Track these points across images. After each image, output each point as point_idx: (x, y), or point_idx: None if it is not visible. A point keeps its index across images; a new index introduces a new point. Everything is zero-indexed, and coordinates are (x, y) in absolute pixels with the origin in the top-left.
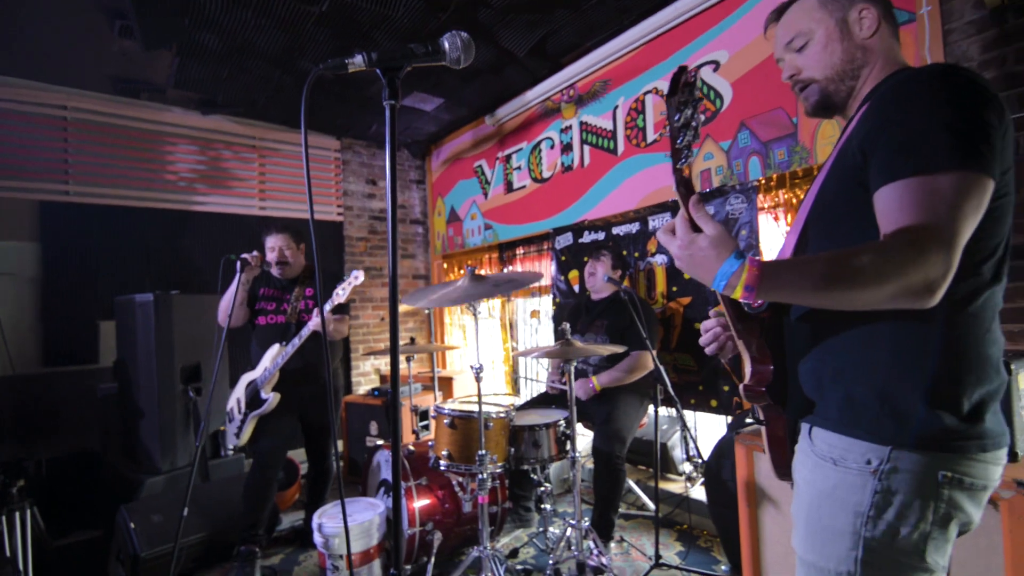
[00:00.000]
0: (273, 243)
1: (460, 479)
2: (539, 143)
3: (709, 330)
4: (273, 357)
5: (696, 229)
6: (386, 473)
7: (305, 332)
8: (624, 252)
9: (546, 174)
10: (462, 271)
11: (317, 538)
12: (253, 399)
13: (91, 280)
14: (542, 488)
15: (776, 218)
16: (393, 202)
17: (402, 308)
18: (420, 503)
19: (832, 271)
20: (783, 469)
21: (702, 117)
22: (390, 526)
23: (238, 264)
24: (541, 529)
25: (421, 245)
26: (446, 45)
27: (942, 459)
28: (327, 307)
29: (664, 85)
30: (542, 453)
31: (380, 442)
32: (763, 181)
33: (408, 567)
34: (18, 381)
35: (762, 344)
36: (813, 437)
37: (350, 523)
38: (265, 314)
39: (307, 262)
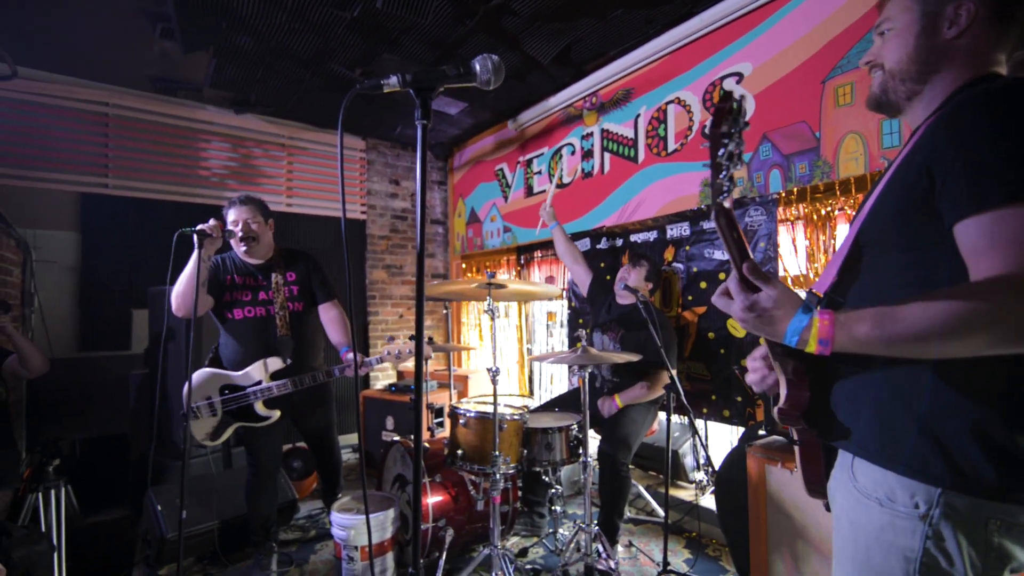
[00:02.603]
0: (236, 216)
1: (473, 478)
2: (560, 148)
3: (756, 370)
4: (269, 372)
5: (751, 288)
6: (401, 468)
7: (321, 378)
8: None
9: (566, 179)
10: (481, 272)
11: (335, 529)
12: (243, 412)
13: (127, 270)
14: (553, 490)
15: (793, 232)
16: (422, 220)
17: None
18: (434, 499)
19: (924, 323)
20: (816, 487)
21: (744, 148)
22: (403, 520)
23: (195, 238)
24: (551, 530)
25: (441, 245)
26: (477, 67)
27: (993, 506)
28: (373, 361)
29: (687, 95)
30: (554, 456)
31: (396, 437)
32: (783, 194)
33: (421, 562)
34: (55, 364)
35: (799, 367)
36: (856, 471)
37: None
38: (241, 306)
39: (279, 245)
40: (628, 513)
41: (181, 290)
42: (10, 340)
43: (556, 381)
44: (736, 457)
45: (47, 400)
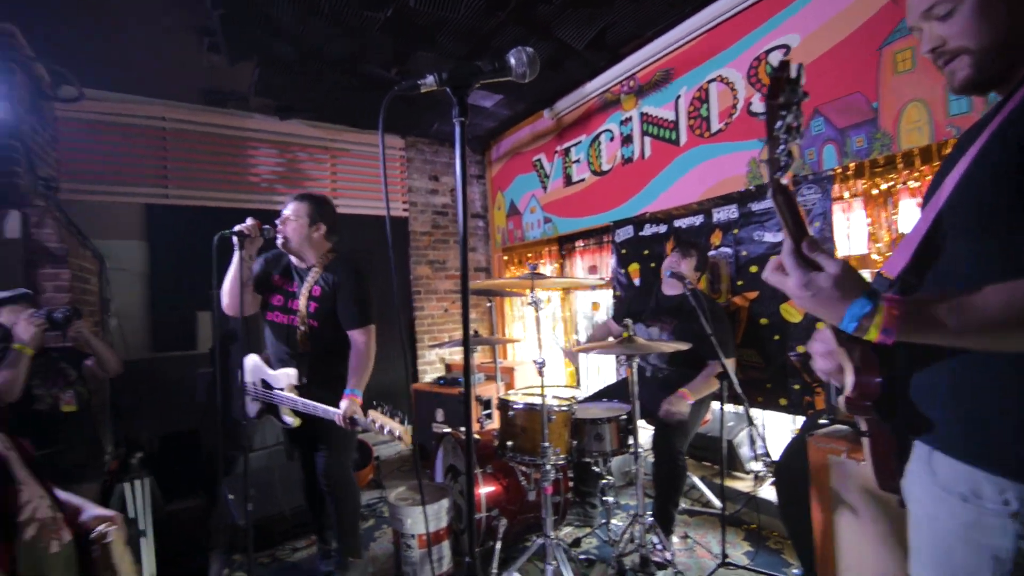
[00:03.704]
0: (285, 211)
1: (524, 468)
2: (598, 136)
3: (824, 354)
4: (291, 383)
5: (810, 264)
6: (453, 459)
7: (319, 413)
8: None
9: (605, 167)
10: (523, 264)
11: (393, 519)
12: (272, 409)
13: (190, 274)
14: (604, 481)
15: (850, 210)
16: (465, 213)
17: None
18: (486, 490)
19: (1009, 313)
20: (888, 481)
21: (803, 120)
22: (457, 510)
23: (234, 239)
24: (604, 520)
25: (482, 239)
26: (512, 61)
27: None
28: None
29: (730, 73)
30: (604, 446)
31: (447, 429)
32: (839, 170)
33: (476, 550)
34: (132, 365)
35: (867, 352)
36: (935, 465)
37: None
38: (271, 308)
39: (331, 251)
40: (682, 504)
41: (227, 288)
42: (87, 343)
43: (603, 371)
44: (797, 447)
45: (126, 399)
